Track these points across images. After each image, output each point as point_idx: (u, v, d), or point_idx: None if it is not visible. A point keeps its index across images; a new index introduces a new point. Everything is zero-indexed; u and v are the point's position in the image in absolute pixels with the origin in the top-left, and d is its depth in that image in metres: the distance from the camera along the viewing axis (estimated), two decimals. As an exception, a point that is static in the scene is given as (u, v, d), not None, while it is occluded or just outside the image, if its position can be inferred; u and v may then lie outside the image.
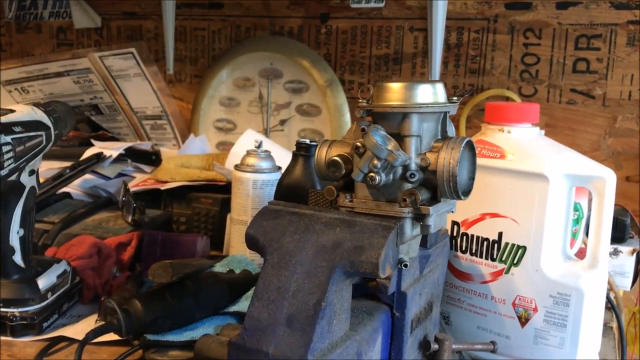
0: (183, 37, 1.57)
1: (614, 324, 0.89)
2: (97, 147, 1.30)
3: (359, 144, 0.55)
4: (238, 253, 0.98)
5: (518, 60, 1.30)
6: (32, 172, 0.78)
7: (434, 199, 0.58)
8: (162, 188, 1.15)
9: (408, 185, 0.57)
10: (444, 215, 0.62)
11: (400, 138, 0.57)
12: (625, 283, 0.98)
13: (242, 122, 1.50)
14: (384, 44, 1.39)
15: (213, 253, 1.04)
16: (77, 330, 0.78)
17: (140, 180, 1.23)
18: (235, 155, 1.16)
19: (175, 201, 1.15)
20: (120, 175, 1.27)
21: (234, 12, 1.52)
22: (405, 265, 0.55)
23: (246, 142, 1.17)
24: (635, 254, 0.98)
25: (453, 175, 0.56)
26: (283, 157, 1.01)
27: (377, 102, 0.58)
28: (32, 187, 0.79)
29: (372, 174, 0.55)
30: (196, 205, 1.13)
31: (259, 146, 1.01)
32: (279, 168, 1.00)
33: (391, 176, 0.57)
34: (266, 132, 1.48)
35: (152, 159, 1.36)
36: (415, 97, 0.57)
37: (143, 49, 1.44)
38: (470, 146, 0.60)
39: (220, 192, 1.13)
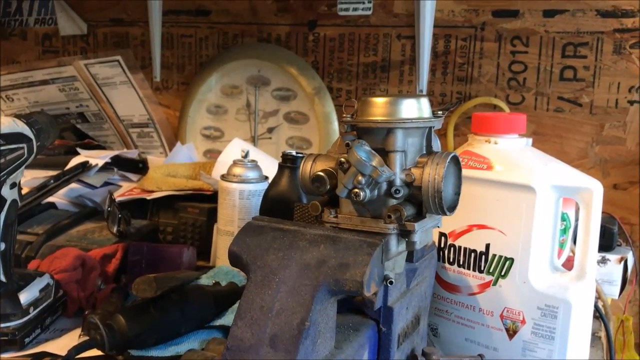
0: (170, 44, 1.56)
1: (602, 333, 0.89)
2: (83, 155, 1.29)
3: (343, 159, 0.55)
4: (224, 264, 0.97)
5: (505, 68, 1.30)
6: (13, 185, 0.77)
7: (419, 215, 0.58)
8: (149, 198, 1.14)
9: (393, 201, 0.56)
10: (430, 231, 0.61)
11: (384, 153, 0.57)
12: (613, 291, 0.98)
13: (230, 129, 1.50)
14: (372, 52, 1.39)
15: (200, 264, 1.03)
16: (60, 345, 0.77)
17: (126, 189, 1.22)
18: (222, 165, 1.15)
19: (162, 211, 1.14)
20: (106, 184, 1.26)
21: (221, 19, 1.51)
22: (391, 282, 0.55)
23: (233, 151, 1.16)
24: (623, 262, 0.98)
25: (438, 191, 0.55)
26: (270, 166, 1.01)
27: (362, 116, 0.58)
28: (14, 200, 0.78)
29: (356, 190, 0.54)
30: (183, 215, 1.12)
31: (246, 156, 1.00)
32: (266, 178, 0.99)
33: (376, 192, 0.56)
34: (254, 140, 1.47)
35: (139, 167, 1.35)
36: (399, 112, 0.57)
37: (129, 56, 1.43)
38: (456, 161, 0.59)
39: (207, 201, 1.12)
